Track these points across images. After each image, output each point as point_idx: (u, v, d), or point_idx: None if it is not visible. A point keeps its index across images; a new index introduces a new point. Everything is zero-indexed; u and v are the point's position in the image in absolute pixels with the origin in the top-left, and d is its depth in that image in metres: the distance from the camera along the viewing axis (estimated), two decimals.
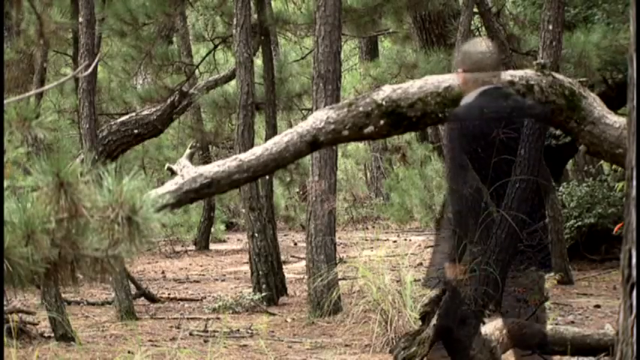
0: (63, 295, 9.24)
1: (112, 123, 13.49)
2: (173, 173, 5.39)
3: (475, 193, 4.96)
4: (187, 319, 10.05)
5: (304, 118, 9.53)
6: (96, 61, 9.98)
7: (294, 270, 13.95)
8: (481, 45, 5.10)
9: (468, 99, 5.04)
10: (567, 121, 5.86)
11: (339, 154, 14.75)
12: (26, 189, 2.78)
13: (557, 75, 5.96)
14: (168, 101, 13.44)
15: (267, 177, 11.49)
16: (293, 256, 15.96)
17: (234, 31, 11.02)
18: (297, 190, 20.62)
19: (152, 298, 11.54)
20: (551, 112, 5.69)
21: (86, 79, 9.84)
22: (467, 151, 4.95)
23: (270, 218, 11.34)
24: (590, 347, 6.50)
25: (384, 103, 5.74)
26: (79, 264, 2.81)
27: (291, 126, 13.83)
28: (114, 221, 2.76)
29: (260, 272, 11.06)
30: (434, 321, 5.42)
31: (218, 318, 9.83)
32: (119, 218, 2.76)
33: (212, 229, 18.45)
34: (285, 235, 19.46)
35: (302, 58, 16.26)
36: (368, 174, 24.30)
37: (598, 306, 10.09)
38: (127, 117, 13.55)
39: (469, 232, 5.05)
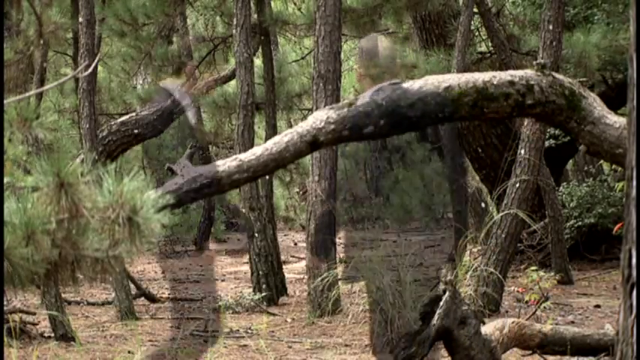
0: (63, 295, 9.23)
1: (112, 123, 13.50)
2: (173, 173, 5.38)
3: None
4: (187, 319, 10.04)
5: (304, 118, 9.52)
6: (96, 61, 9.98)
7: (294, 270, 13.94)
8: (374, 41, 4.98)
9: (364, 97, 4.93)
10: (567, 121, 5.86)
11: (339, 154, 14.74)
12: (27, 189, 2.78)
13: (557, 75, 5.96)
14: (169, 101, 13.45)
15: (267, 177, 11.48)
16: (293, 256, 15.95)
17: (234, 31, 11.02)
18: (297, 190, 20.61)
19: (152, 298, 11.53)
20: (456, 101, 5.59)
21: (86, 79, 9.84)
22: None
23: (270, 218, 11.33)
24: (590, 347, 6.50)
25: (384, 103, 5.74)
26: (80, 264, 2.81)
27: (291, 126, 13.82)
28: (114, 221, 2.76)
29: (260, 272, 11.06)
30: (434, 321, 5.42)
31: (218, 318, 9.82)
32: (120, 219, 2.76)
33: (212, 229, 18.44)
34: (285, 235, 19.45)
35: (302, 58, 16.25)
36: (368, 174, 24.29)
37: (598, 306, 10.08)
38: (127, 117, 13.56)
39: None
